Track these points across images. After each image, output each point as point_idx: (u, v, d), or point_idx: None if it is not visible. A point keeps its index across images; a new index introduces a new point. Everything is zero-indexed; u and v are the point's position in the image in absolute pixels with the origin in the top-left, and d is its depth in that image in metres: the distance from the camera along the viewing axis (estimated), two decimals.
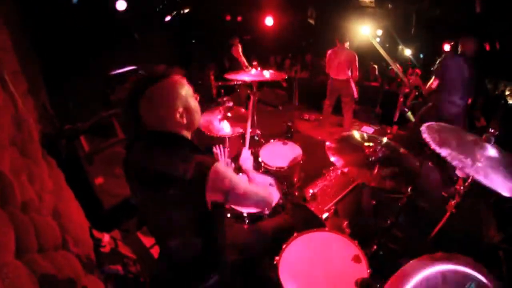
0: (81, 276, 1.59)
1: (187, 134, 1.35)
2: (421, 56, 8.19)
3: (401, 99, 4.28)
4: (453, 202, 1.95)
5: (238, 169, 1.88)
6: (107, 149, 2.64)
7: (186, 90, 1.30)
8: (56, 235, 1.55)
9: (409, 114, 4.10)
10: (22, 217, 1.26)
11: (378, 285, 1.61)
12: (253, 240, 1.74)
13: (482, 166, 1.58)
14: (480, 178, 1.47)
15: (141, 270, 2.27)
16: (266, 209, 1.43)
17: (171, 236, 1.36)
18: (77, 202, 2.25)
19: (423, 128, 1.80)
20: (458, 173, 1.80)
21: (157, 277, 1.67)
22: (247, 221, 2.14)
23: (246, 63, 5.98)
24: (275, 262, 1.61)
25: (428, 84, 3.82)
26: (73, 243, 1.74)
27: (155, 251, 2.53)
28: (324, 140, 4.94)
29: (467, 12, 5.16)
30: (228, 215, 2.18)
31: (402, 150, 2.25)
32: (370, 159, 2.06)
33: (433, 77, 3.71)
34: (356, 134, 2.35)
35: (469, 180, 1.83)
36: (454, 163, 1.53)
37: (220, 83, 4.08)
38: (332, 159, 2.00)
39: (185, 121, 1.29)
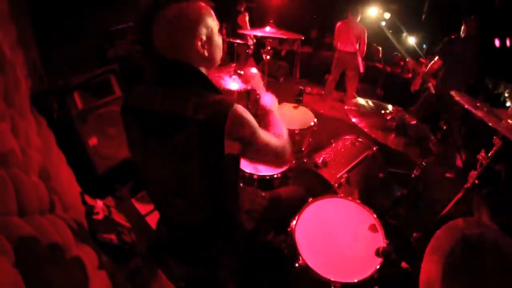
0: (71, 244, 1.43)
1: (205, 71, 1.16)
2: (424, 46, 8.06)
3: (424, 69, 4.16)
4: (475, 173, 1.87)
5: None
6: (102, 107, 2.43)
7: (212, 21, 1.12)
8: (42, 197, 1.37)
9: (431, 84, 3.96)
10: None
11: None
12: (267, 206, 1.59)
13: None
14: None
15: (137, 239, 2.14)
16: (282, 164, 1.26)
17: (177, 195, 1.19)
18: (68, 165, 2.08)
19: (452, 92, 1.77)
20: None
21: (156, 245, 1.52)
22: (256, 185, 2.00)
23: (252, 35, 5.73)
24: (290, 229, 1.48)
25: (430, 64, 3.80)
26: (62, 209, 1.58)
27: (151, 220, 2.39)
28: (326, 114, 4.95)
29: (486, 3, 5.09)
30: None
31: (415, 121, 2.20)
32: (389, 124, 1.97)
33: (437, 57, 3.68)
34: (362, 102, 2.29)
35: (493, 151, 1.76)
36: (490, 123, 1.48)
37: (231, 39, 3.96)
38: (354, 120, 1.93)
39: (206, 53, 1.11)
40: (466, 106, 1.65)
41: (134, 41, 2.66)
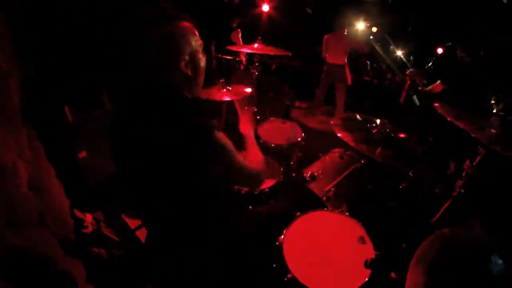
0: (60, 257, 1.43)
1: (189, 93, 1.17)
2: (411, 58, 8.24)
3: (409, 82, 4.25)
4: (460, 182, 1.92)
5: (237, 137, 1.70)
6: (93, 120, 2.44)
7: (196, 41, 1.14)
8: (31, 209, 1.37)
9: (415, 97, 4.05)
10: None
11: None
12: (254, 220, 1.61)
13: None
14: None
15: (126, 253, 2.12)
16: (255, 187, 1.30)
17: (165, 211, 1.19)
18: (58, 178, 2.07)
19: (436, 104, 1.82)
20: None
21: (145, 261, 1.51)
22: (244, 201, 2.00)
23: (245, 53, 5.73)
24: (278, 243, 1.49)
25: (432, 87, 3.83)
26: (52, 221, 1.57)
27: (141, 234, 2.36)
28: (315, 128, 5.00)
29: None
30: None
31: (402, 134, 2.22)
32: (375, 138, 2.00)
33: (439, 81, 3.71)
34: (354, 116, 2.33)
35: (477, 159, 1.84)
36: (473, 135, 1.51)
37: (219, 55, 3.96)
38: (339, 135, 1.95)
39: (190, 73, 1.12)
40: (448, 119, 1.70)
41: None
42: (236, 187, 1.92)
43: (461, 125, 1.64)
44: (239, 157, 1.18)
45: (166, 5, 1.09)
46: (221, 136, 1.07)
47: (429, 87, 3.90)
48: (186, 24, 1.11)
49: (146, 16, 1.04)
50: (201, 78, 1.22)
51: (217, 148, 1.06)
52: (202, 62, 1.19)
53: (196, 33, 1.14)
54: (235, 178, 1.27)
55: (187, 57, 1.10)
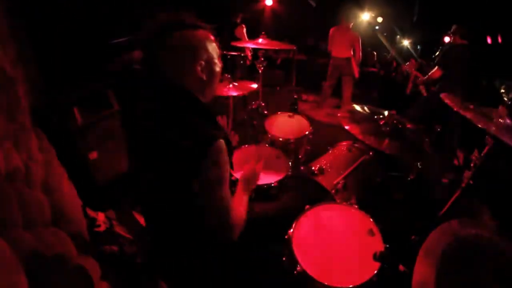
0: (74, 255, 1.46)
1: (203, 97, 1.21)
2: (419, 47, 8.14)
3: (415, 73, 4.21)
4: (469, 173, 1.90)
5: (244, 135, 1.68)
6: (101, 121, 2.47)
7: (213, 48, 1.19)
8: (45, 210, 1.41)
9: (421, 88, 4.02)
10: (5, 188, 1.12)
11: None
12: (262, 215, 1.62)
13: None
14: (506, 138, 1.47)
15: (138, 251, 2.16)
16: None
17: (164, 211, 1.23)
18: (69, 179, 2.11)
19: (443, 95, 1.79)
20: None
21: (154, 258, 1.54)
22: (252, 194, 2.00)
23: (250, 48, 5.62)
24: (288, 236, 1.49)
25: (430, 73, 3.83)
26: (65, 221, 1.61)
27: None
28: (323, 121, 4.98)
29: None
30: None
31: (409, 125, 2.22)
32: (383, 129, 1.99)
33: (436, 68, 3.71)
34: (358, 108, 2.31)
35: (485, 150, 1.80)
36: (479, 124, 1.53)
37: (224, 52, 3.97)
38: (346, 127, 1.94)
39: (205, 77, 1.16)
40: (455, 109, 1.69)
41: (136, 61, 2.71)
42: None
43: (467, 115, 1.62)
44: (227, 189, 1.14)
45: (187, 13, 1.14)
46: (222, 147, 1.08)
47: (428, 74, 3.89)
48: (204, 31, 1.16)
49: (166, 22, 1.10)
50: (216, 83, 1.26)
51: (208, 164, 1.05)
52: (218, 67, 1.23)
53: (213, 40, 1.20)
54: (211, 207, 1.13)
55: (203, 63, 1.15)
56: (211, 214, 1.14)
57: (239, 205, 1.31)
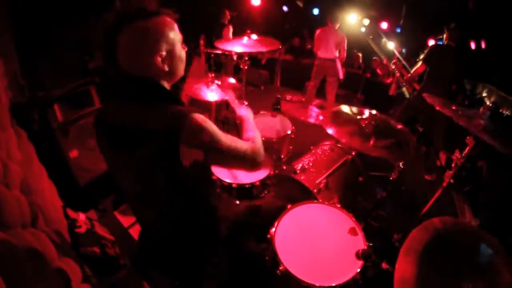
0: (54, 257, 1.43)
1: (167, 84, 1.19)
2: (403, 51, 8.27)
3: (398, 74, 4.27)
4: (450, 173, 1.94)
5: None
6: (82, 119, 2.42)
7: (175, 34, 1.13)
8: (23, 211, 1.38)
9: (405, 89, 4.08)
10: None
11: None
12: (244, 214, 1.62)
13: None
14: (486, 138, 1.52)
15: (120, 251, 2.13)
16: (253, 167, 1.23)
17: (144, 206, 1.23)
18: (49, 178, 2.07)
19: (425, 94, 1.85)
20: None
21: (139, 257, 1.52)
22: (235, 194, 2.00)
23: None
24: (270, 235, 1.50)
25: (414, 69, 3.85)
26: (44, 222, 1.57)
27: (134, 232, 2.38)
28: (307, 121, 5.02)
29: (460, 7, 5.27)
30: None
31: (393, 123, 2.20)
32: (366, 130, 2.00)
33: (420, 63, 3.74)
34: (345, 109, 2.28)
35: (466, 151, 1.84)
36: (460, 122, 1.58)
37: (209, 51, 3.95)
38: (329, 131, 1.92)
39: (166, 68, 1.12)
40: (437, 108, 1.73)
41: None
42: (226, 180, 1.90)
43: (448, 113, 1.67)
44: (226, 136, 1.15)
45: (150, 1, 1.09)
46: (200, 118, 1.06)
47: (412, 71, 3.91)
48: (164, 19, 1.11)
49: (123, 13, 1.05)
50: (182, 68, 1.22)
51: (194, 131, 1.03)
52: (182, 54, 1.19)
53: (176, 26, 1.14)
54: (224, 161, 1.20)
55: (163, 53, 1.10)
56: (232, 161, 1.19)
57: (249, 131, 1.41)
